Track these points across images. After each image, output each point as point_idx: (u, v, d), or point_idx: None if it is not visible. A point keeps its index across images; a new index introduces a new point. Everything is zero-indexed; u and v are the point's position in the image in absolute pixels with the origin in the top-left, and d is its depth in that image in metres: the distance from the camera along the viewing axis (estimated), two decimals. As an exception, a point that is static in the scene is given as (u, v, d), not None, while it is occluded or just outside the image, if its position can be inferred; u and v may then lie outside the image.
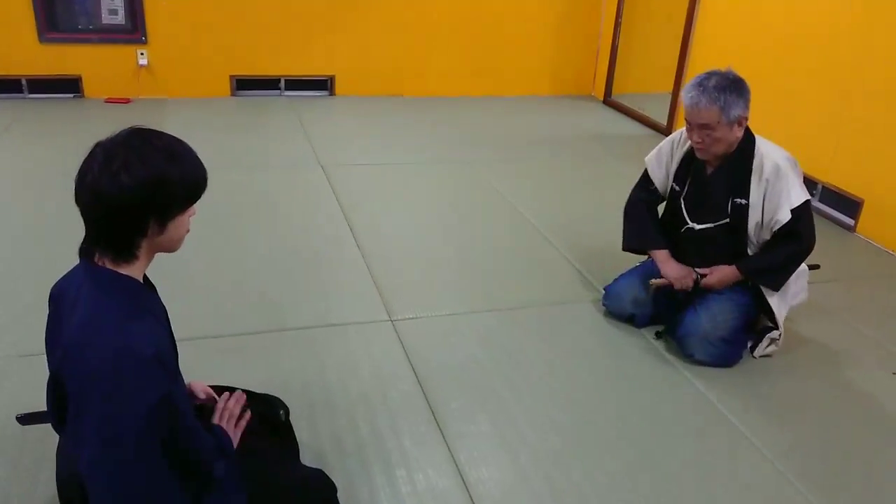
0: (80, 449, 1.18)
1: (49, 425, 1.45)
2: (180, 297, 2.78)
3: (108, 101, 5.40)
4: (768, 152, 2.39)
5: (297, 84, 5.87)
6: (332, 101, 5.83)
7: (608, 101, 6.21)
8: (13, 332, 2.48)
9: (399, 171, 4.33)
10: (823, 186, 4.04)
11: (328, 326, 2.64)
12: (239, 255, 3.15)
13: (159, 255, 1.37)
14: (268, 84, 5.81)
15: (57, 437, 1.50)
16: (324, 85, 5.91)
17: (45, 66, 5.30)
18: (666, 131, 5.33)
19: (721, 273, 2.52)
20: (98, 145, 1.28)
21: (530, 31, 6.09)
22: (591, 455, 2.07)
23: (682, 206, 2.59)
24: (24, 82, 5.32)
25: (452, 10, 5.83)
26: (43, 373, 2.11)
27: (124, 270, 1.27)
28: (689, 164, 2.56)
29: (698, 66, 4.98)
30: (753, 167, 2.39)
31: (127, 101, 5.42)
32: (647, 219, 2.71)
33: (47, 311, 1.39)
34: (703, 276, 2.55)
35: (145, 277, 1.37)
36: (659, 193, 2.70)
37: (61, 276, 1.43)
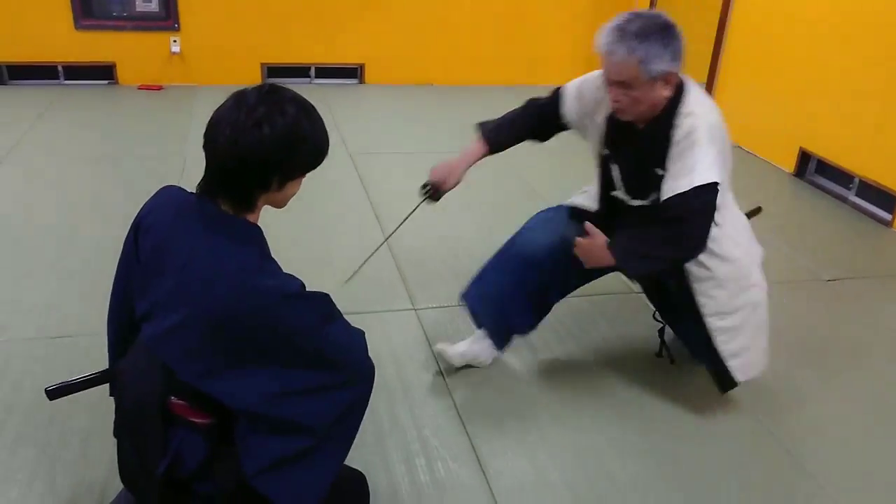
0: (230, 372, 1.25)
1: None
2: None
3: (141, 87, 5.46)
4: (691, 111, 1.91)
5: (326, 72, 5.88)
6: (361, 89, 5.83)
7: (641, 90, 6.10)
8: (42, 314, 2.51)
9: (427, 159, 4.25)
10: (860, 180, 3.93)
11: (352, 314, 2.62)
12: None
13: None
14: (298, 72, 5.82)
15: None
16: (353, 73, 5.91)
17: (80, 53, 5.37)
18: (699, 122, 5.22)
19: (590, 250, 2.04)
20: (236, 95, 1.29)
21: (563, 18, 6.01)
22: (610, 452, 2.04)
23: (615, 174, 2.12)
24: (59, 69, 5.41)
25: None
26: (70, 356, 2.14)
27: (248, 217, 1.34)
28: (618, 122, 2.04)
29: (735, 54, 4.88)
30: (675, 132, 1.91)
31: (159, 87, 5.48)
32: (518, 117, 2.27)
33: (128, 239, 1.44)
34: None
35: None
36: (560, 117, 2.21)
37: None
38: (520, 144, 2.31)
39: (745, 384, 2.17)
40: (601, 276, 2.29)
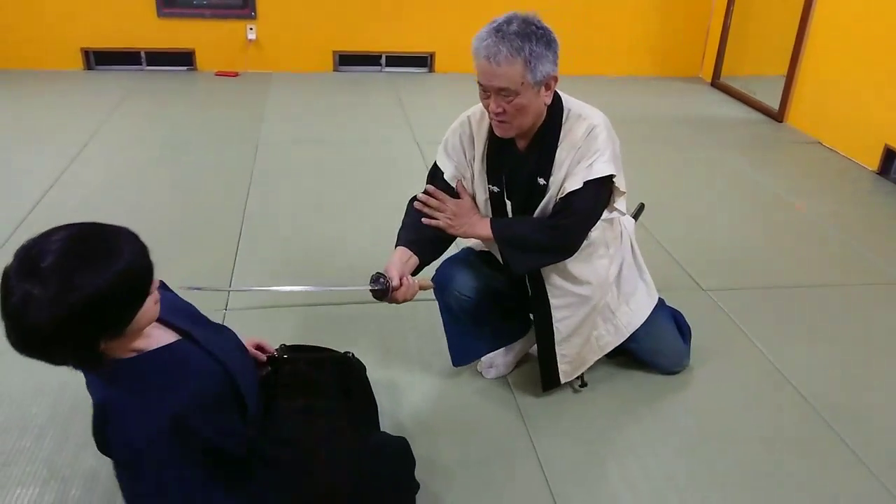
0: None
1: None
2: (272, 266, 2.88)
3: (218, 74, 5.62)
4: (581, 113, 1.85)
5: (397, 60, 5.92)
6: (431, 77, 5.85)
7: (716, 83, 5.94)
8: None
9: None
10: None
11: (414, 300, 2.66)
12: (325, 227, 3.23)
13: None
14: (369, 60, 5.88)
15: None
16: (423, 62, 5.93)
17: (161, 40, 5.56)
18: (778, 117, 5.05)
19: (461, 214, 1.93)
20: (7, 273, 1.09)
21: (634, 7, 5.88)
22: (658, 458, 2.01)
23: (509, 208, 1.97)
24: (142, 55, 5.61)
25: (556, -14, 5.72)
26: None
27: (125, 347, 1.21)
28: (499, 151, 1.91)
29: (818, 46, 4.68)
30: (561, 136, 1.84)
31: (235, 74, 5.62)
32: (414, 214, 1.98)
33: None
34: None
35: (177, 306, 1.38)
36: (451, 187, 1.99)
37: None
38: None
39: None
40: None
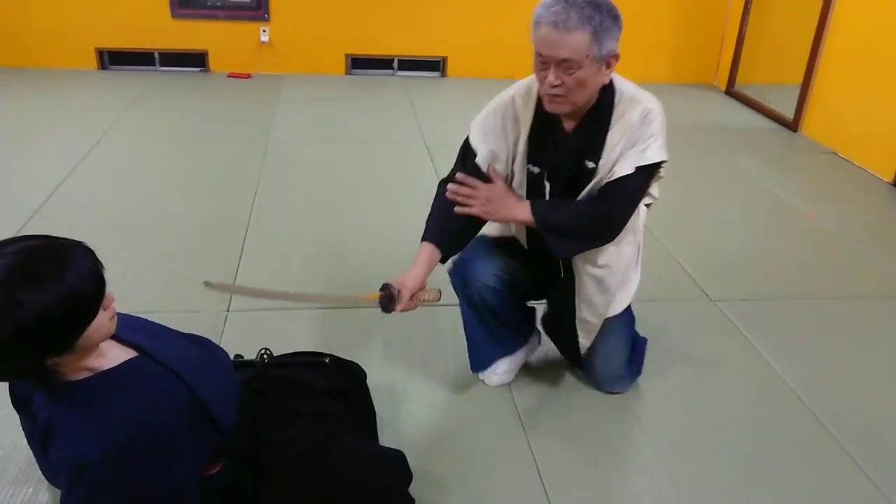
0: None
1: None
2: (276, 264, 2.87)
3: (231, 75, 5.63)
4: (634, 96, 1.79)
5: (409, 64, 5.91)
6: (443, 82, 5.83)
7: (731, 91, 5.88)
8: (134, 291, 2.60)
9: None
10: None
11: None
12: (331, 226, 3.21)
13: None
14: (381, 63, 5.88)
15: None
16: (436, 66, 5.92)
17: (175, 41, 5.58)
18: (792, 126, 5.00)
19: (495, 198, 1.86)
20: None
21: (649, 13, 5.84)
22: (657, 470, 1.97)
23: (547, 190, 1.91)
24: (156, 55, 5.63)
25: (570, -8, 5.69)
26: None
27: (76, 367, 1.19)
28: (544, 132, 1.85)
29: (834, 56, 4.62)
30: (613, 118, 1.78)
31: (248, 76, 5.63)
32: (444, 202, 1.91)
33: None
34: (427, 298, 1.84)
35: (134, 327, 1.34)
36: (480, 171, 1.91)
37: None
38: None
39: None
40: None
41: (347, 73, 5.84)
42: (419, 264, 1.83)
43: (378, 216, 3.34)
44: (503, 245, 2.13)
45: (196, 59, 5.67)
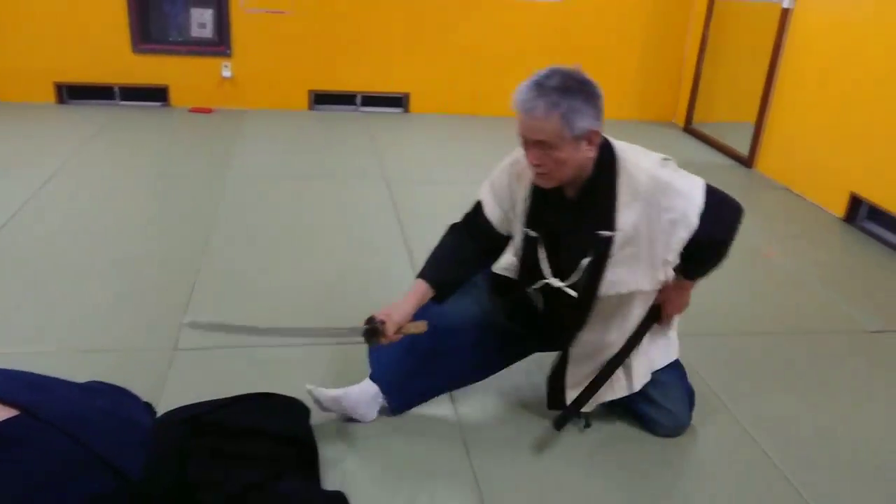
0: None
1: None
2: (223, 300, 2.82)
3: (192, 110, 5.60)
4: (637, 164, 1.86)
5: (373, 100, 5.94)
6: (406, 118, 5.87)
7: (689, 128, 6.01)
8: (80, 329, 2.53)
9: (466, 191, 4.26)
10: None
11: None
12: (291, 263, 3.18)
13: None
14: (344, 99, 5.90)
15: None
16: (399, 102, 5.96)
17: (136, 76, 5.55)
18: (748, 162, 5.10)
19: (679, 304, 2.09)
20: None
21: (613, 54, 5.97)
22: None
23: (541, 255, 1.95)
24: (116, 90, 5.59)
25: (532, 31, 5.79)
26: (101, 369, 2.14)
27: None
28: (542, 197, 1.91)
29: (785, 95, 4.75)
30: (619, 187, 1.83)
31: (209, 111, 5.61)
32: (448, 245, 2.05)
33: None
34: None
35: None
36: (489, 222, 2.02)
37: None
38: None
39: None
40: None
41: (311, 108, 5.85)
42: (409, 300, 1.88)
43: (336, 252, 3.32)
44: (503, 293, 2.13)
45: (157, 94, 5.64)
